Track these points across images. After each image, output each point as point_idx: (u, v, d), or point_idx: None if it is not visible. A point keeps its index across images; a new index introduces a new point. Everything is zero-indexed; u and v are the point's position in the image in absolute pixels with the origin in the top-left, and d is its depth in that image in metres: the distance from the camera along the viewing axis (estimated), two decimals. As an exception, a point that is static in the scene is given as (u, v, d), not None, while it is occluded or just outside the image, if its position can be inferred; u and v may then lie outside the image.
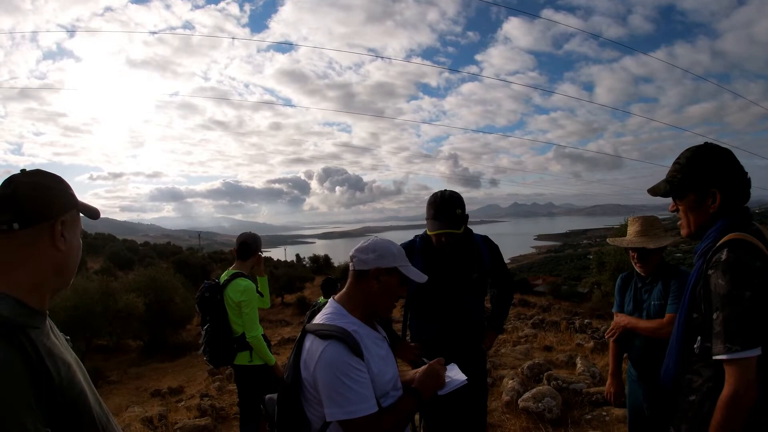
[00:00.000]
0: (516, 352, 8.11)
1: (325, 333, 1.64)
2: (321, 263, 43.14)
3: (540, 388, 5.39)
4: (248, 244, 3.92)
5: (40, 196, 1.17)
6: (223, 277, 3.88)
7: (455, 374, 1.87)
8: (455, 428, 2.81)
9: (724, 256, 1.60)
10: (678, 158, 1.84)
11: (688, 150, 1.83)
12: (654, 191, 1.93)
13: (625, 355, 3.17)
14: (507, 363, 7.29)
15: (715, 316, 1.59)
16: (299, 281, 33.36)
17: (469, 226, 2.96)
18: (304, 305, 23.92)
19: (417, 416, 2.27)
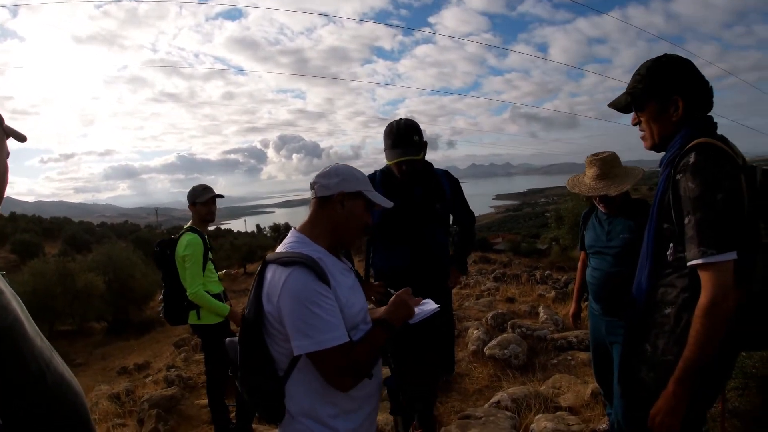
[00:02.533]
0: (479, 304, 8.23)
1: (287, 260, 1.53)
2: (282, 232, 42.88)
3: (505, 335, 5.50)
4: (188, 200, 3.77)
5: None
6: None
7: (425, 305, 1.83)
8: (425, 363, 2.82)
9: (692, 159, 1.57)
10: (638, 69, 1.80)
11: (648, 60, 1.78)
12: (615, 104, 1.90)
13: (585, 294, 3.21)
14: (471, 315, 7.40)
15: (686, 220, 1.55)
16: (261, 250, 33.11)
17: None
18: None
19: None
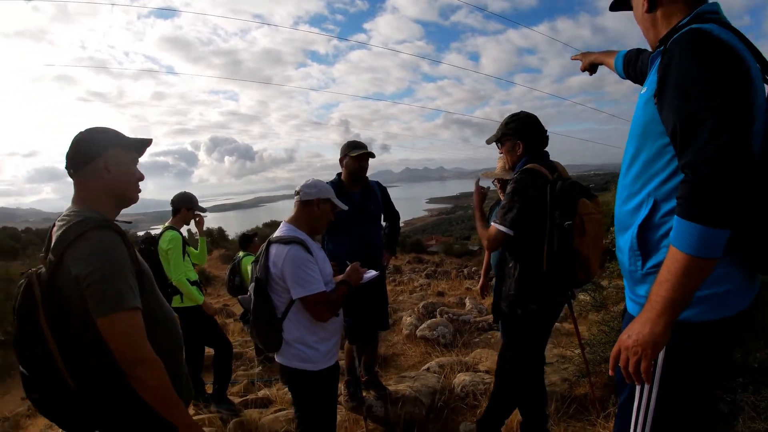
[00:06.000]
0: (413, 298, 9.01)
1: (287, 240, 2.38)
2: (215, 236, 42.23)
3: (434, 320, 6.27)
4: (174, 202, 4.45)
5: (81, 146, 1.66)
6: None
7: (369, 273, 2.69)
8: (369, 314, 3.73)
9: (517, 176, 2.59)
10: (503, 119, 2.81)
11: (509, 115, 2.79)
12: (488, 141, 2.90)
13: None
14: (405, 307, 8.13)
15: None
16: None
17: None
18: (208, 276, 23.70)
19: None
